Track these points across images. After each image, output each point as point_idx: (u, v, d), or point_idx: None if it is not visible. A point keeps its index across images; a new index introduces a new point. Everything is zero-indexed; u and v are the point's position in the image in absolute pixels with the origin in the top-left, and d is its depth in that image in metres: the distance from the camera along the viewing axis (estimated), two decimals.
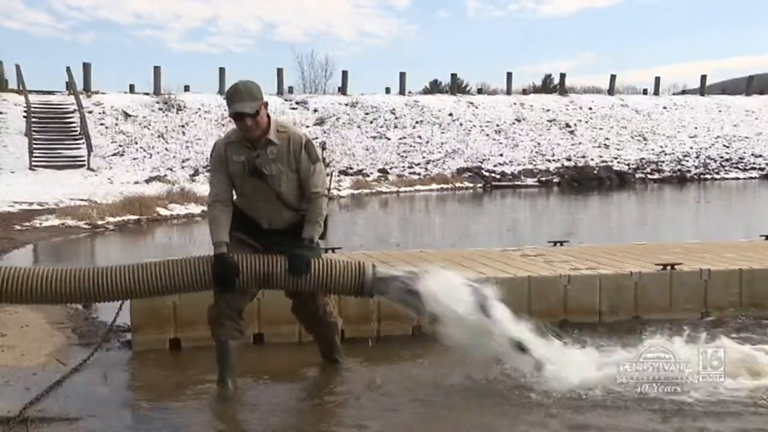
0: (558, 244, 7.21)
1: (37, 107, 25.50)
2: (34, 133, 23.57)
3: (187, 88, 31.70)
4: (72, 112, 25.64)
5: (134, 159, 24.88)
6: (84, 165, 23.24)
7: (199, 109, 28.87)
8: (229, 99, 3.92)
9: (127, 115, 27.41)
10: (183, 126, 27.75)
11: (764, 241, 7.57)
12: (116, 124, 26.70)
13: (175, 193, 17.10)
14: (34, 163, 22.51)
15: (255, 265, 3.95)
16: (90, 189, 18.81)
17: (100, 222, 13.57)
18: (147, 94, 29.52)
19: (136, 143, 25.90)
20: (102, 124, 26.52)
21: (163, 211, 15.31)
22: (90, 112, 26.35)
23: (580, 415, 3.50)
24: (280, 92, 31.42)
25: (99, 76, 56.66)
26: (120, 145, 25.56)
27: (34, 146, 23.05)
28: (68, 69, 27.22)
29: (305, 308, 4.34)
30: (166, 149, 26.04)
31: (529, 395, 3.81)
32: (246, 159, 3.98)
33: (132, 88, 30.67)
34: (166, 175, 23.00)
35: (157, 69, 29.81)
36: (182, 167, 24.62)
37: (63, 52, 77.06)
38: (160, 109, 28.40)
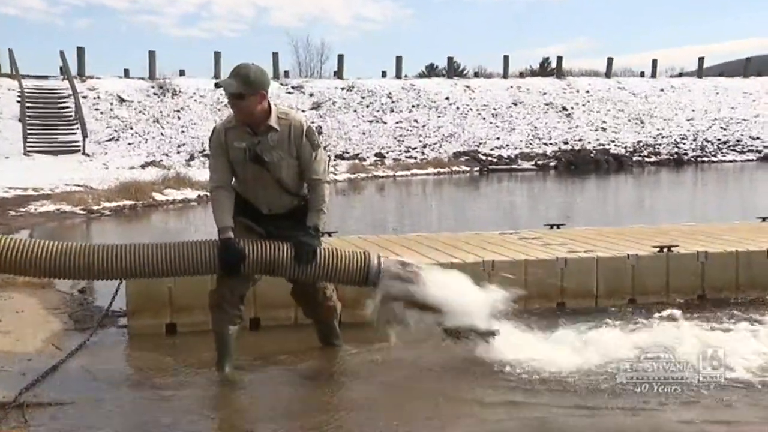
0: (555, 227, 7.21)
1: (30, 92, 25.40)
2: (28, 119, 23.49)
3: (182, 73, 31.59)
4: (66, 97, 25.53)
5: (129, 144, 24.82)
6: (79, 150, 23.17)
7: (195, 93, 28.77)
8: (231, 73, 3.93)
9: (122, 100, 27.31)
10: (178, 111, 27.66)
11: (761, 223, 7.58)
12: (111, 110, 26.61)
13: (171, 178, 17.08)
14: (28, 149, 22.44)
15: (261, 252, 3.95)
16: (85, 174, 18.79)
17: (95, 207, 13.55)
18: (142, 78, 29.39)
19: (132, 128, 25.83)
20: (97, 109, 26.43)
21: (158, 197, 15.30)
22: (84, 97, 26.24)
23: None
24: (275, 76, 31.29)
25: (93, 60, 56.43)
26: (115, 131, 25.48)
27: (29, 131, 22.96)
28: (62, 53, 27.12)
29: (305, 292, 4.34)
30: (162, 134, 25.97)
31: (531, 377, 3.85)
32: (247, 145, 3.97)
33: (127, 73, 30.55)
34: (161, 161, 22.97)
35: (152, 53, 29.72)
36: (178, 152, 24.57)
37: (57, 37, 76.91)
38: (155, 93, 28.29)
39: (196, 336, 4.74)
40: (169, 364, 4.36)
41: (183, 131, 26.38)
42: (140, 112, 26.96)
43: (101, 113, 26.24)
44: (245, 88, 3.86)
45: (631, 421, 3.17)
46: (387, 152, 26.98)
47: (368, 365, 4.27)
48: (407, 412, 3.56)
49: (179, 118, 27.22)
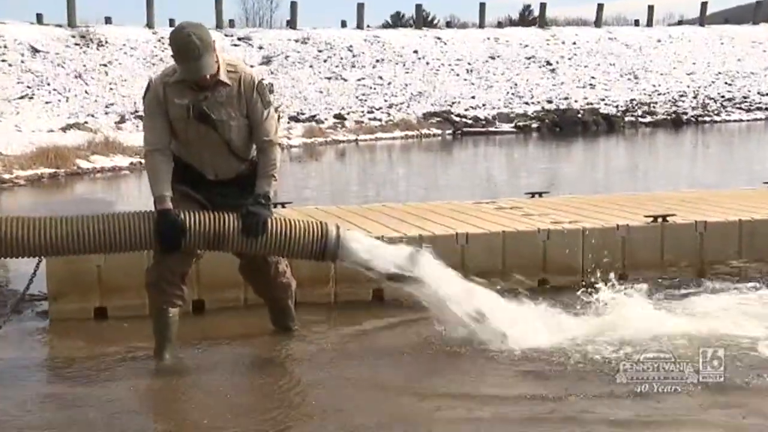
0: (537, 196, 7.29)
1: None
2: None
3: (108, 20, 31.03)
4: None
5: (47, 103, 24.37)
6: None
7: (124, 45, 28.33)
8: (181, 55, 3.83)
9: (35, 51, 26.74)
10: (105, 65, 27.22)
11: None
12: (22, 62, 26.03)
13: (99, 142, 16.87)
14: None
15: (204, 224, 3.95)
16: None
17: (6, 176, 13.37)
18: (59, 26, 28.78)
19: (49, 84, 25.34)
20: (4, 61, 25.84)
21: (84, 164, 15.13)
22: None
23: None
24: (219, 26, 30.94)
25: None
26: (28, 87, 24.97)
27: None
28: None
29: (255, 268, 4.36)
30: (86, 92, 25.55)
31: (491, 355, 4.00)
32: (190, 102, 3.95)
33: (40, 18, 29.79)
34: (86, 122, 22.60)
35: None
36: (106, 113, 24.21)
37: None
38: (77, 44, 27.79)
39: (130, 321, 4.74)
40: (99, 353, 4.36)
41: (111, 89, 25.99)
42: (59, 65, 26.45)
43: (10, 66, 25.64)
44: (214, 54, 3.84)
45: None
46: (348, 113, 26.90)
47: (327, 351, 4.31)
48: (368, 404, 3.62)
49: (106, 73, 26.79)
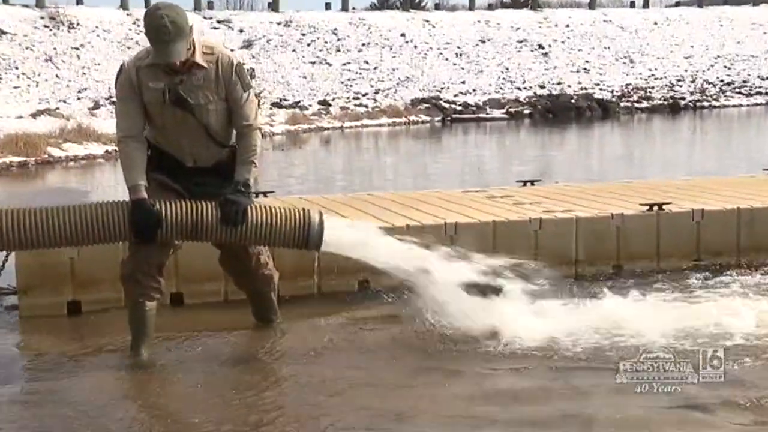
0: (528, 184, 7.31)
1: None
2: None
3: (80, 1, 30.83)
4: None
5: (15, 88, 24.20)
6: None
7: (97, 27, 28.16)
8: (151, 37, 3.82)
9: (1, 33, 26.51)
10: (77, 48, 27.05)
11: None
12: None
13: (71, 130, 16.78)
14: None
15: (181, 214, 3.94)
16: None
17: None
18: (26, 6, 28.55)
19: (17, 68, 25.15)
20: None
21: (56, 152, 15.05)
22: None
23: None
24: (197, 8, 30.77)
25: None
26: None
27: None
28: None
29: (235, 259, 4.36)
30: (57, 76, 25.40)
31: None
32: (166, 85, 3.94)
33: None
34: (58, 108, 22.48)
35: None
36: (78, 98, 24.08)
37: None
38: (46, 26, 27.58)
39: (105, 316, 4.75)
40: (73, 349, 4.36)
41: (84, 73, 25.85)
42: (27, 48, 26.24)
43: None
44: (188, 39, 3.83)
45: None
46: (333, 99, 26.85)
47: (311, 345, 4.32)
48: (353, 400, 3.63)
49: (78, 57, 26.64)
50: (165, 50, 3.81)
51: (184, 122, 4.00)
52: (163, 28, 3.77)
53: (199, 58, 3.94)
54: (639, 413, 3.35)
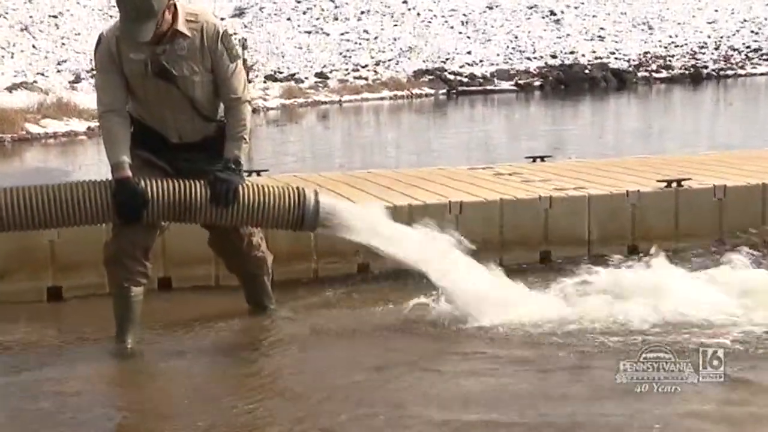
0: (538, 160, 7.31)
1: None
2: None
3: None
4: None
5: None
6: None
7: None
8: (119, 8, 3.82)
9: None
10: (55, 17, 27.04)
11: None
12: None
13: (50, 105, 16.78)
14: None
15: (168, 193, 3.94)
16: None
17: None
18: None
19: None
20: None
21: (34, 128, 15.05)
22: None
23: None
24: None
25: None
26: None
27: None
28: None
29: (226, 241, 4.36)
30: (34, 47, 25.40)
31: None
32: (148, 56, 3.93)
33: None
34: (35, 82, 22.50)
35: None
36: (58, 71, 24.12)
37: None
38: None
39: (87, 302, 4.75)
40: (54, 338, 4.37)
41: (63, 44, 25.85)
42: (0, 16, 26.19)
43: None
44: (156, 18, 3.81)
45: None
46: (330, 72, 26.85)
47: (307, 332, 4.33)
48: (353, 389, 3.63)
49: (57, 26, 26.62)
50: (128, 27, 3.82)
51: (168, 95, 4.00)
52: (131, 4, 3.77)
53: (182, 26, 3.93)
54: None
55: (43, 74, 23.66)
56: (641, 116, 19.26)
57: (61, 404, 3.54)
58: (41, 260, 4.92)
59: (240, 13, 29.70)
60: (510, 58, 29.36)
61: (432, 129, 17.74)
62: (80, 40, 25.92)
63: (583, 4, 33.72)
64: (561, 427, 3.14)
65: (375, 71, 27.24)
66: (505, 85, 26.72)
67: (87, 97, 18.41)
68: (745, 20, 33.54)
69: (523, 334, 4.10)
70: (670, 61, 29.93)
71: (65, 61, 24.88)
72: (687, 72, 28.82)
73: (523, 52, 29.99)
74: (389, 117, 20.64)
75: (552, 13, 32.88)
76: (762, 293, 4.40)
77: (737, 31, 32.88)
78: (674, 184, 5.78)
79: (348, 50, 28.85)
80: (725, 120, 18.19)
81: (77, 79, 23.41)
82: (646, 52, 30.47)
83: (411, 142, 15.18)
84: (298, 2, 30.87)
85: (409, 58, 28.57)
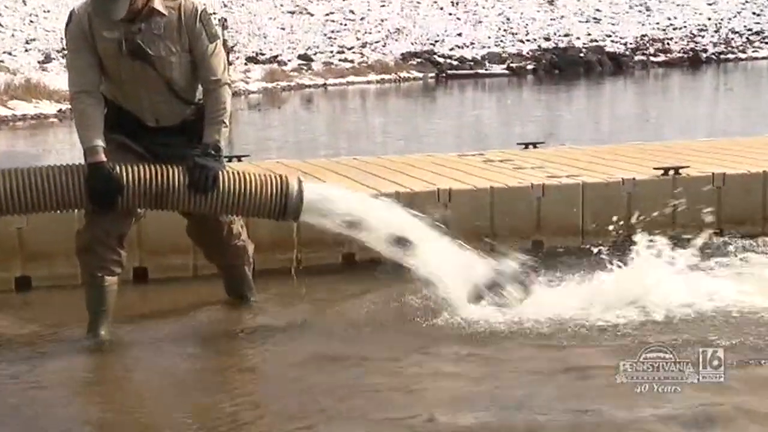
0: (531, 147, 7.33)
1: None
2: None
3: None
4: None
5: None
6: None
7: None
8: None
9: None
10: None
11: None
12: None
13: (18, 86, 16.74)
14: None
15: (144, 179, 3.93)
16: None
17: None
18: None
19: None
20: None
21: (1, 111, 15.01)
22: None
23: None
24: None
25: None
26: None
27: None
28: None
29: (205, 229, 4.37)
30: (1, 25, 25.22)
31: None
32: (122, 35, 3.92)
33: None
34: (2, 62, 22.37)
35: None
36: (26, 50, 23.97)
37: None
38: None
39: (58, 292, 4.74)
40: (23, 330, 4.35)
41: (32, 22, 25.71)
42: None
43: None
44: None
45: None
46: (315, 54, 26.80)
47: (289, 325, 4.33)
48: (336, 385, 3.64)
49: (24, 2, 26.45)
50: (100, 3, 3.80)
51: (144, 76, 3.99)
52: None
53: (158, 4, 3.92)
54: None
55: (10, 54, 23.52)
56: (638, 102, 19.32)
57: (30, 400, 3.53)
58: (9, 249, 4.92)
59: None
60: (502, 41, 29.37)
61: (420, 114, 17.76)
62: (50, 18, 25.77)
63: None
64: (561, 427, 3.16)
65: (361, 54, 27.20)
66: (497, 68, 26.74)
67: (58, 77, 18.35)
68: (746, 2, 33.65)
69: (517, 331, 4.10)
70: (668, 44, 29.99)
71: (34, 40, 24.74)
72: (686, 55, 28.90)
73: (516, 34, 29.99)
74: (376, 101, 20.65)
75: None
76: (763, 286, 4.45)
77: (738, 13, 33.00)
78: (672, 172, 5.80)
79: (333, 31, 28.81)
80: (724, 106, 18.25)
81: (47, 59, 23.29)
82: (643, 35, 30.52)
83: (398, 127, 15.18)
84: None
85: (396, 40, 28.55)
